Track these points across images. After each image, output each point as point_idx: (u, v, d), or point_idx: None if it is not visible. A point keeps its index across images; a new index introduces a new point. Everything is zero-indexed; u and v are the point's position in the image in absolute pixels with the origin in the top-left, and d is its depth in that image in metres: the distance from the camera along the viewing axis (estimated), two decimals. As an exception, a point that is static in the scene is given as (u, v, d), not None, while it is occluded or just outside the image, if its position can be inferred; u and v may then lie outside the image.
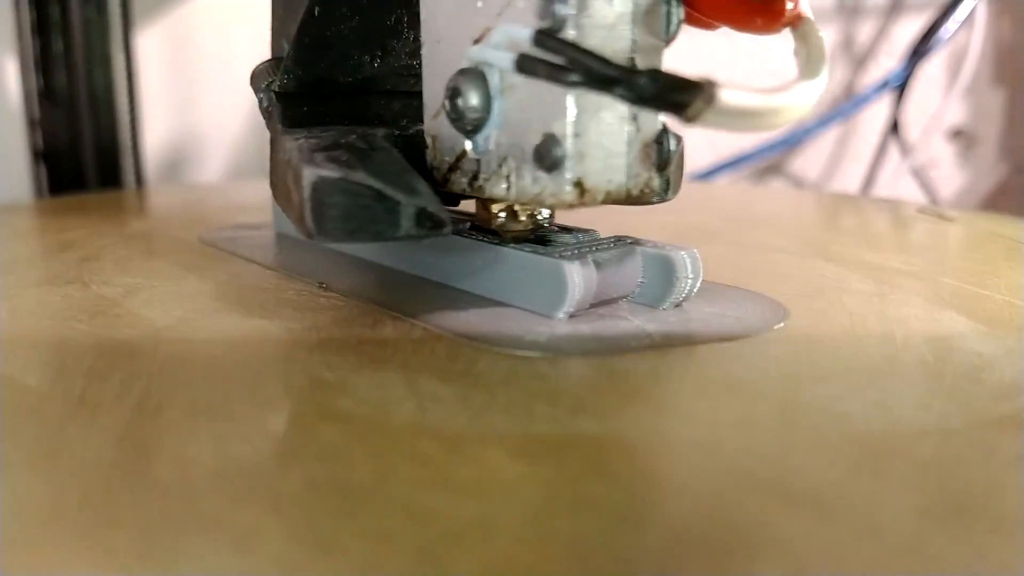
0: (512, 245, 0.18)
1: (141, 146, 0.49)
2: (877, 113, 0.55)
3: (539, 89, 0.15)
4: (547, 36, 0.15)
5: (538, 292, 0.17)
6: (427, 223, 0.16)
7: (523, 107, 0.16)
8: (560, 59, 0.14)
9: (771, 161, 0.59)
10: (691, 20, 0.17)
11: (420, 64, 0.18)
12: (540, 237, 0.19)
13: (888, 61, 0.56)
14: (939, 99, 0.56)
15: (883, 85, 0.53)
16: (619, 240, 0.19)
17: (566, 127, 0.15)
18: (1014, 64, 0.56)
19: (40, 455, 0.12)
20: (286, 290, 0.20)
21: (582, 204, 0.16)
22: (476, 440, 0.12)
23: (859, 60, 0.57)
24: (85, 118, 0.47)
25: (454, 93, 0.17)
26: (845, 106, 0.55)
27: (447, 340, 0.17)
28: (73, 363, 0.15)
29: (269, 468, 0.11)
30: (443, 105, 0.17)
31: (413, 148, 0.18)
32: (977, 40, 0.52)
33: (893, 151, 0.55)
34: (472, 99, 0.16)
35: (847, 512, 0.10)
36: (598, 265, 0.17)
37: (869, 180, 0.55)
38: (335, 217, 0.16)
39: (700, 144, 0.59)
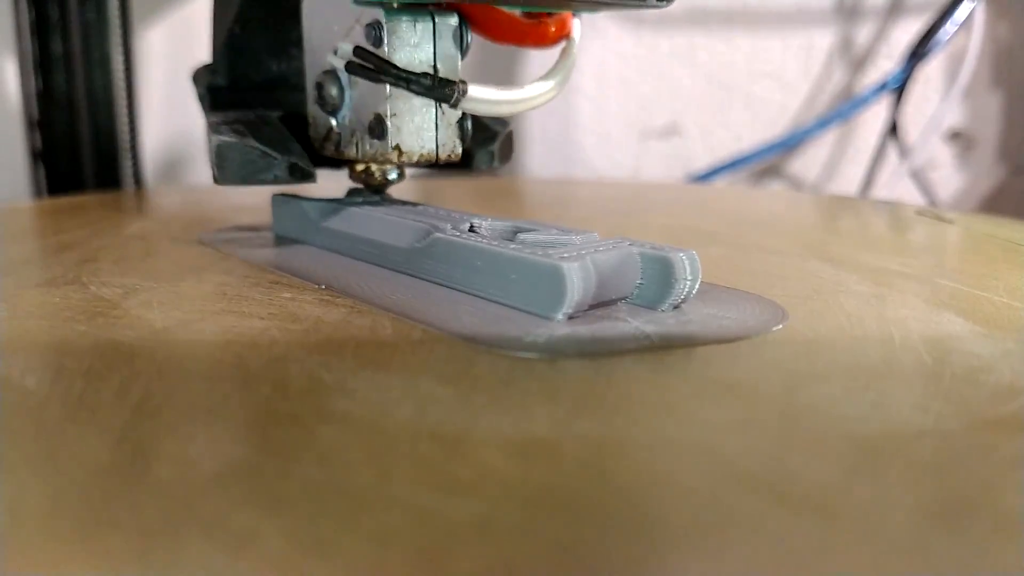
0: (512, 247, 0.18)
1: (140, 147, 0.49)
2: (876, 115, 0.55)
3: (371, 84, 0.22)
4: (361, 50, 0.21)
5: (537, 293, 0.17)
6: (298, 173, 0.23)
7: (362, 96, 0.22)
8: (370, 65, 0.21)
9: (770, 163, 0.59)
10: (486, 38, 0.23)
11: None
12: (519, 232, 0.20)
13: (887, 63, 0.56)
14: (938, 101, 0.56)
15: (882, 87, 0.53)
16: (618, 242, 0.19)
17: (387, 110, 0.22)
18: (1013, 66, 0.56)
19: (39, 456, 0.12)
20: (285, 291, 0.20)
21: (402, 163, 0.23)
22: (475, 441, 0.12)
23: (858, 62, 0.57)
24: (84, 119, 0.47)
25: (320, 86, 0.23)
26: (844, 108, 0.55)
27: (446, 341, 0.17)
28: (72, 364, 0.15)
29: (268, 469, 0.11)
30: (315, 95, 0.24)
31: (302, 125, 0.25)
32: (976, 42, 0.52)
33: (892, 153, 0.55)
34: (332, 90, 0.23)
35: (845, 513, 0.10)
36: (597, 266, 0.17)
37: (868, 182, 0.55)
38: (232, 168, 0.23)
39: (699, 146, 0.59)
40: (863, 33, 0.57)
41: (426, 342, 0.17)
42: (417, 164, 0.23)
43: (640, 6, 0.21)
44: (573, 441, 0.12)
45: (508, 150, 0.27)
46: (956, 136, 0.58)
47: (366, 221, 0.23)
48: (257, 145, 0.23)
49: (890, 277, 0.23)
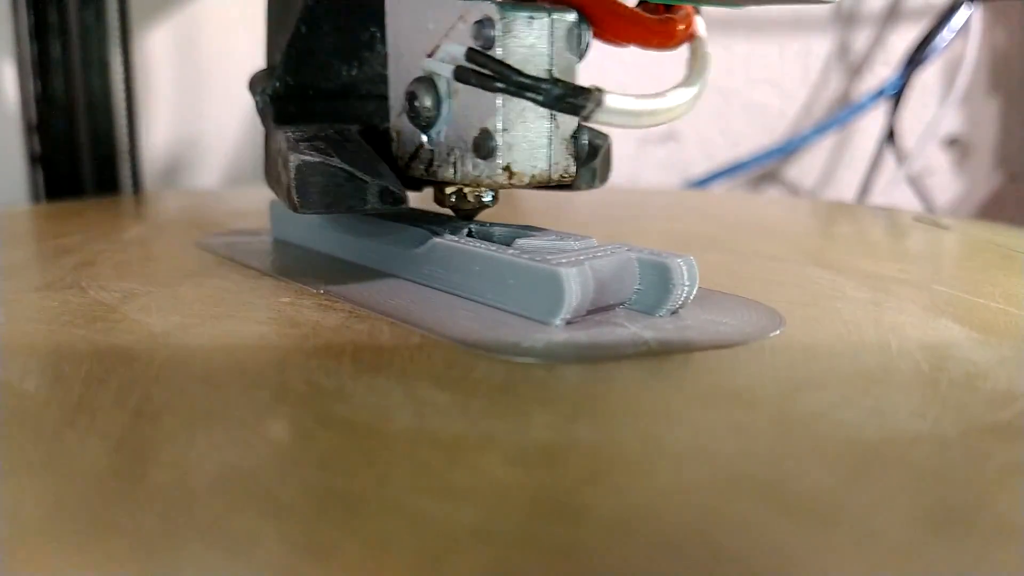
0: (511, 252, 0.18)
1: (139, 151, 0.49)
2: (873, 121, 0.56)
3: (476, 93, 0.19)
4: (476, 52, 0.18)
5: (535, 299, 0.17)
6: (389, 199, 0.20)
7: (465, 108, 0.19)
8: (487, 71, 0.18)
9: (767, 169, 0.59)
10: (603, 38, 0.19)
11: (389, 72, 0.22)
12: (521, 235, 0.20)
13: (884, 69, 0.56)
14: (935, 107, 0.56)
15: (879, 93, 0.53)
16: (616, 247, 0.19)
17: (497, 124, 0.18)
18: (1009, 73, 0.56)
19: (38, 461, 0.12)
20: (284, 296, 0.20)
21: (511, 185, 0.19)
22: (473, 446, 0.12)
23: (855, 68, 0.57)
24: (83, 123, 0.47)
25: (412, 96, 0.20)
26: (841, 114, 0.56)
27: (444, 346, 0.17)
28: (71, 369, 0.15)
29: (267, 474, 0.11)
30: (404, 106, 0.20)
31: (382, 141, 0.21)
32: (972, 49, 0.52)
33: (889, 159, 0.55)
34: (426, 101, 0.20)
35: (843, 519, 0.10)
36: (595, 272, 0.17)
37: (865, 188, 0.56)
38: (315, 193, 0.19)
39: (696, 152, 0.59)
40: (860, 39, 0.57)
41: (424, 347, 0.17)
42: (527, 186, 0.19)
43: (805, 1, 0.18)
44: (571, 446, 0.12)
45: (607, 167, 0.23)
46: (953, 142, 0.58)
47: (365, 226, 0.23)
48: (344, 166, 0.19)
49: (887, 283, 0.23)
